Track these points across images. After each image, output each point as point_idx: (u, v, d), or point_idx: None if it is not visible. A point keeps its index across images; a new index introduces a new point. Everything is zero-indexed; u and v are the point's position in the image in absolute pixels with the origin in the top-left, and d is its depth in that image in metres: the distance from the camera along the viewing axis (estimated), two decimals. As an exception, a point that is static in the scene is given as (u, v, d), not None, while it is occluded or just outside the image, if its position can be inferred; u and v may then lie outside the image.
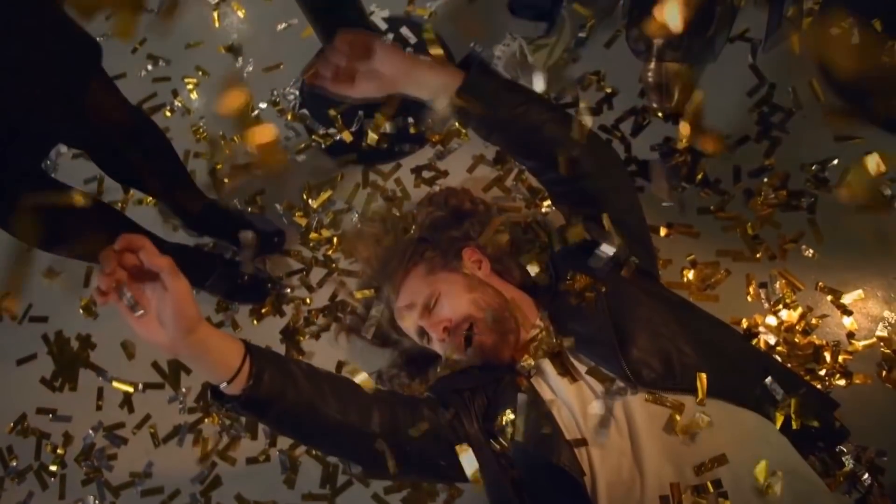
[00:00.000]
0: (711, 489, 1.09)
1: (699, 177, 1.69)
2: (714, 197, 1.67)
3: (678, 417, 1.14)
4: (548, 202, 1.76)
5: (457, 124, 1.91)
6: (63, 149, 2.21)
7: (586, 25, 1.92)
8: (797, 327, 1.54)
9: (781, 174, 1.65)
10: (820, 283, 1.56)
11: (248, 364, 1.04)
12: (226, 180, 2.03)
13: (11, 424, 1.90)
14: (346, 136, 1.90)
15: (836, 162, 1.64)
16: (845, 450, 1.32)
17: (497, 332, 1.32)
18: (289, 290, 1.88)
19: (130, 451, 1.82)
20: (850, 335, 1.52)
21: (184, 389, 1.82)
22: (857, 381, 1.47)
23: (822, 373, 1.49)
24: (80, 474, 1.80)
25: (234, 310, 1.89)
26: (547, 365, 1.26)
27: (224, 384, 1.03)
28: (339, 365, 1.73)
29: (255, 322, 1.87)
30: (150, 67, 2.28)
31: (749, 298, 1.58)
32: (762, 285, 1.59)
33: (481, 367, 1.33)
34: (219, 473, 1.74)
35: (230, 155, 2.06)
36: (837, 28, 1.21)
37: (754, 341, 1.51)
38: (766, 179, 1.66)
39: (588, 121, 1.32)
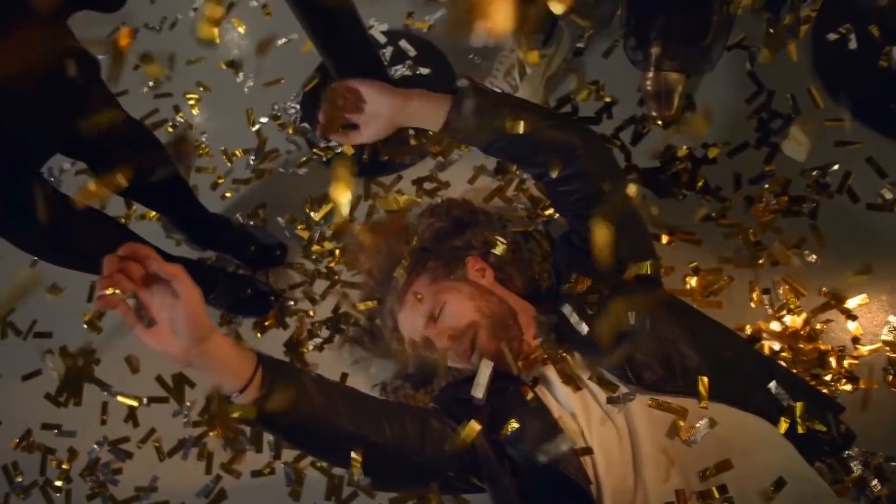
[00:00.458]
0: (717, 495, 1.09)
1: (700, 184, 1.69)
2: (715, 204, 1.67)
3: (682, 423, 1.14)
4: (549, 211, 1.77)
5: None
6: (66, 165, 2.23)
7: (584, 36, 1.93)
8: (801, 332, 1.53)
9: (782, 180, 1.65)
10: (823, 289, 1.56)
11: (260, 374, 1.03)
12: (227, 194, 2.04)
13: (17, 440, 1.90)
14: (348, 150, 1.91)
15: (836, 167, 1.64)
16: (853, 455, 1.31)
17: (501, 338, 1.32)
18: (292, 303, 1.88)
19: (135, 465, 1.81)
20: (856, 340, 1.51)
21: (188, 403, 1.82)
22: (864, 386, 1.46)
23: (828, 378, 1.48)
24: (85, 489, 1.80)
25: (237, 323, 1.90)
26: (551, 373, 1.26)
27: (235, 394, 1.02)
28: (343, 376, 1.73)
29: (258, 335, 1.87)
30: (151, 84, 2.30)
31: (753, 305, 1.58)
32: (765, 291, 1.58)
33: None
34: (224, 487, 1.73)
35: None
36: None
37: (758, 346, 1.51)
38: (766, 186, 1.66)
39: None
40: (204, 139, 2.15)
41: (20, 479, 1.87)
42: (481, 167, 1.87)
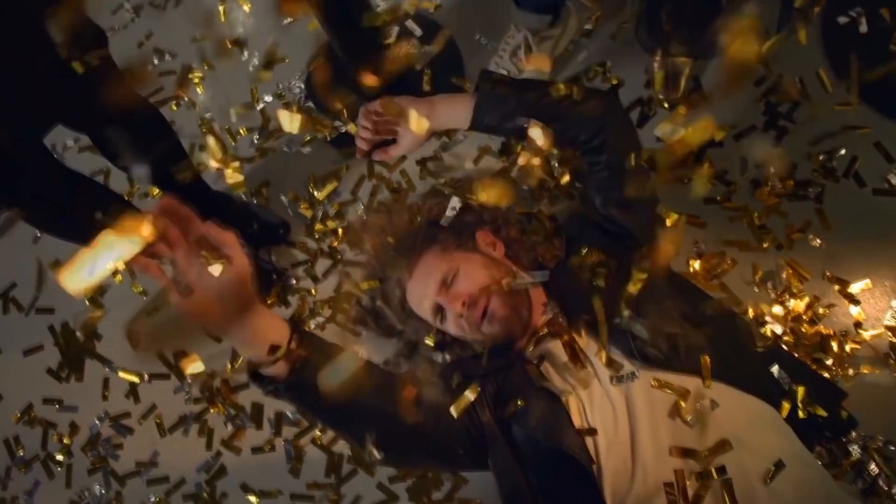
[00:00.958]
0: (715, 476, 1.08)
1: (705, 166, 1.68)
2: (720, 187, 1.66)
3: (683, 404, 1.13)
4: (547, 200, 1.76)
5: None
6: (70, 142, 2.22)
7: (592, 17, 1.92)
8: (804, 317, 1.53)
9: (788, 164, 1.64)
10: (827, 273, 1.56)
11: (294, 346, 1.00)
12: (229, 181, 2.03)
13: (18, 414, 1.91)
14: (352, 129, 1.90)
15: (843, 152, 1.63)
16: (852, 439, 1.31)
17: (512, 305, 1.31)
18: (294, 282, 1.88)
19: (136, 440, 1.82)
20: (858, 325, 1.51)
21: (189, 380, 1.82)
22: (865, 371, 1.46)
23: (830, 362, 1.48)
24: (86, 463, 1.81)
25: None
26: (557, 350, 1.26)
27: (267, 366, 0.98)
28: (344, 355, 1.73)
29: (260, 313, 1.87)
30: (156, 61, 2.29)
31: (755, 288, 1.57)
32: (768, 275, 1.58)
33: (491, 352, 1.33)
34: (224, 463, 1.74)
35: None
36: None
37: (761, 330, 1.50)
38: (772, 169, 1.65)
39: None
40: (208, 117, 2.14)
41: (21, 453, 1.88)
42: (486, 148, 1.86)
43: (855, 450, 1.32)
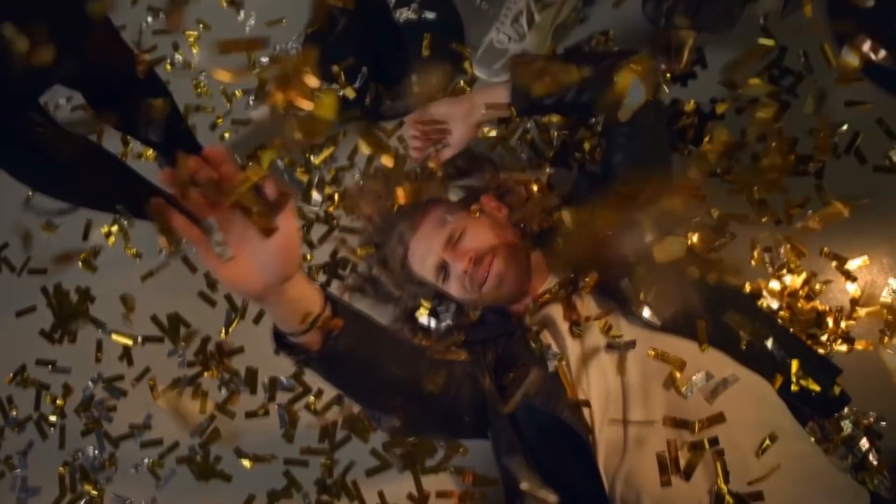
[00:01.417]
0: (708, 447, 1.09)
1: (706, 140, 1.67)
2: (721, 160, 1.65)
3: (678, 374, 1.14)
4: (546, 168, 1.75)
5: (462, 83, 1.89)
6: (62, 101, 2.19)
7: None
8: (800, 293, 1.53)
9: (789, 139, 1.63)
10: (825, 249, 1.55)
11: (329, 313, 0.95)
12: (226, 135, 2.01)
13: (11, 375, 1.90)
14: (350, 93, 1.88)
15: (845, 127, 1.62)
16: (843, 415, 1.32)
17: (515, 267, 1.32)
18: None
19: (130, 403, 1.82)
20: (854, 301, 1.51)
21: (183, 343, 1.82)
22: (859, 347, 1.47)
23: (824, 338, 1.48)
24: (79, 425, 1.81)
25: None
26: (557, 315, 1.26)
27: (297, 335, 0.93)
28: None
29: (255, 278, 1.86)
30: (150, 20, 2.25)
31: (753, 263, 1.57)
32: (766, 250, 1.57)
33: (490, 319, 1.33)
34: (218, 427, 1.74)
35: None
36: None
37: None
38: (773, 144, 1.63)
39: None
40: (203, 78, 2.11)
41: (14, 414, 1.88)
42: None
43: (847, 425, 1.33)
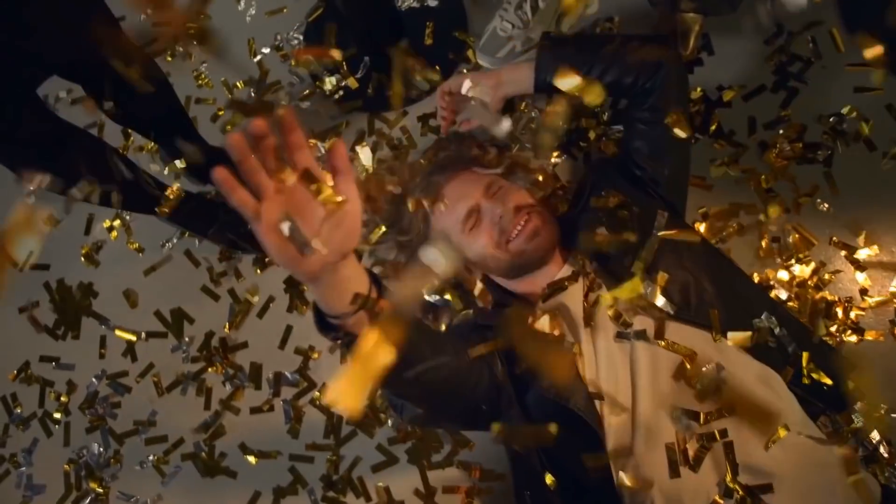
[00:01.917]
0: (718, 438, 1.08)
1: (713, 128, 1.65)
2: (728, 149, 1.63)
3: (689, 365, 1.13)
4: (555, 153, 1.73)
5: (465, 71, 1.87)
6: (62, 93, 2.17)
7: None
8: (809, 283, 1.51)
9: (798, 126, 1.60)
10: (834, 238, 1.53)
11: (375, 295, 0.90)
12: (228, 128, 1.99)
13: (15, 372, 1.90)
14: (352, 83, 1.86)
15: (854, 115, 1.59)
16: (855, 407, 1.30)
17: (549, 229, 1.33)
18: (292, 241, 1.85)
19: (134, 399, 1.81)
20: (864, 291, 1.49)
21: (187, 339, 1.81)
22: (870, 338, 1.45)
23: (833, 329, 1.47)
24: (84, 422, 1.81)
25: (237, 259, 1.87)
26: (570, 301, 1.26)
27: (343, 317, 0.87)
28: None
29: (258, 271, 1.85)
30: (150, 11, 2.22)
31: (761, 253, 1.55)
32: (775, 240, 1.56)
33: (505, 304, 1.33)
34: (223, 423, 1.73)
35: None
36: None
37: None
38: (781, 131, 1.61)
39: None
40: (204, 69, 2.08)
41: (19, 411, 1.87)
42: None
43: (857, 417, 1.31)
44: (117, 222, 1.98)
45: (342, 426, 1.65)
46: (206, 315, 1.83)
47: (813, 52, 1.66)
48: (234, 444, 1.71)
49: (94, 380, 1.84)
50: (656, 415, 1.13)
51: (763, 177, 1.58)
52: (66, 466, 1.77)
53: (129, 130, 2.02)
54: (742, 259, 1.52)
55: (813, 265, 1.52)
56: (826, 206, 1.55)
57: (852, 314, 1.48)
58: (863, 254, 1.52)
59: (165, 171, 1.90)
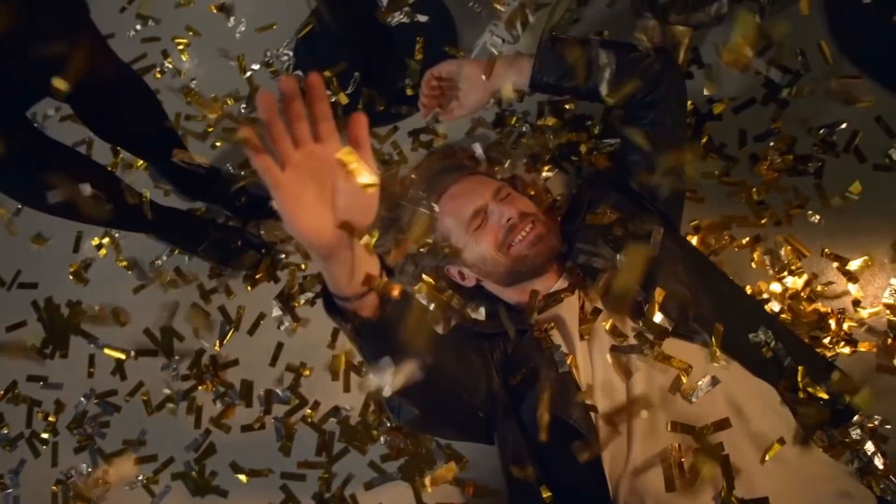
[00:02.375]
0: (713, 452, 1.07)
1: (704, 140, 1.65)
2: (719, 161, 1.63)
3: (684, 379, 1.12)
4: (548, 167, 1.73)
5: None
6: (51, 111, 2.16)
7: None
8: (802, 294, 1.51)
9: (788, 138, 1.61)
10: (826, 250, 1.53)
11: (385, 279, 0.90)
12: (217, 143, 1.98)
13: (2, 392, 1.87)
14: (342, 99, 1.85)
15: (844, 126, 1.60)
16: (852, 421, 1.30)
17: (552, 238, 1.32)
18: (283, 256, 1.85)
19: (123, 418, 1.79)
20: (856, 303, 1.49)
21: (176, 357, 1.79)
22: (863, 349, 1.45)
23: (827, 340, 1.46)
24: (72, 442, 1.78)
25: (227, 275, 1.86)
26: (566, 314, 1.25)
27: (353, 299, 0.87)
28: (336, 331, 1.70)
29: (249, 288, 1.84)
30: (139, 27, 2.22)
31: (753, 265, 1.55)
32: (767, 252, 1.56)
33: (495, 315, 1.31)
34: (213, 441, 1.71)
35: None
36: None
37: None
38: (772, 143, 1.62)
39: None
40: (193, 85, 2.08)
41: (6, 431, 1.84)
42: (479, 120, 1.82)
43: (856, 432, 1.31)
44: (106, 240, 1.96)
45: (334, 443, 1.63)
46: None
47: (802, 64, 1.67)
48: (224, 463, 1.68)
49: (82, 399, 1.82)
50: (652, 428, 1.11)
51: (754, 189, 1.58)
52: (53, 487, 1.74)
53: (118, 148, 2.00)
54: (734, 271, 1.51)
55: (805, 277, 1.52)
56: (817, 217, 1.55)
57: (845, 326, 1.48)
58: (854, 265, 1.52)
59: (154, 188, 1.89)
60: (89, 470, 1.75)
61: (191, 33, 2.17)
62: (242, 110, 2.02)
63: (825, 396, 1.17)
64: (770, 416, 1.14)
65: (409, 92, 1.86)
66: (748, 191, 1.59)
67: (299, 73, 2.02)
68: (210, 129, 2.00)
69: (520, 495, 1.25)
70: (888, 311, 1.47)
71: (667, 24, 1.65)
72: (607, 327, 1.19)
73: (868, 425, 1.36)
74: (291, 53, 2.06)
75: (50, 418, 1.82)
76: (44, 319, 1.92)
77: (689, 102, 1.67)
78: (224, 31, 2.15)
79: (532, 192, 1.48)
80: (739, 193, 1.59)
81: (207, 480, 1.68)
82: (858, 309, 1.50)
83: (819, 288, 1.51)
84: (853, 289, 1.51)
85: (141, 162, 1.98)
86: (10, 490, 1.79)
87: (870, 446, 1.30)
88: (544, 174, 1.72)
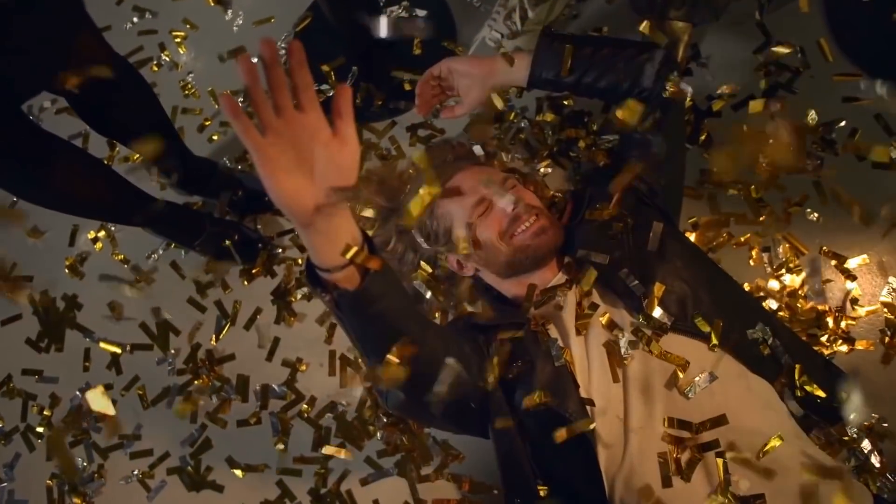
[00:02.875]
0: (709, 449, 1.07)
1: (702, 137, 1.65)
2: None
3: (681, 374, 1.12)
4: (546, 163, 1.72)
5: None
6: (47, 103, 2.15)
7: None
8: (800, 292, 1.51)
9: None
10: (824, 248, 1.53)
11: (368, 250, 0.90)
12: (214, 137, 1.97)
13: (-4, 385, 1.87)
14: (340, 94, 1.84)
15: (843, 124, 1.60)
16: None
17: (555, 232, 1.31)
18: (280, 251, 1.84)
19: (119, 412, 1.77)
20: (854, 301, 1.49)
21: (172, 351, 1.78)
22: (860, 347, 1.45)
23: (824, 338, 1.46)
24: (67, 436, 1.77)
25: (224, 270, 1.85)
26: (565, 312, 1.24)
27: (334, 270, 0.88)
28: (333, 326, 1.70)
29: (245, 283, 1.83)
30: (135, 20, 2.21)
31: (751, 262, 1.55)
32: (765, 249, 1.55)
33: (497, 307, 1.31)
34: (209, 436, 1.71)
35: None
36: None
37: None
38: (771, 141, 1.61)
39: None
40: (190, 79, 2.07)
41: (1, 425, 1.84)
42: (479, 115, 1.81)
43: (853, 430, 1.31)
44: (102, 233, 1.96)
45: (330, 439, 1.63)
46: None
47: (801, 62, 1.66)
48: (220, 458, 1.68)
49: (77, 393, 1.81)
50: (649, 424, 1.11)
51: (753, 187, 1.58)
52: (48, 482, 1.74)
53: (114, 141, 1.99)
54: (732, 269, 1.51)
55: (803, 275, 1.52)
56: (816, 215, 1.55)
57: (843, 324, 1.48)
58: (853, 263, 1.52)
59: (152, 182, 1.88)
60: (85, 464, 1.74)
61: (188, 26, 2.15)
62: (240, 104, 2.00)
63: (822, 394, 1.16)
64: (767, 413, 1.14)
65: (407, 87, 1.85)
66: (747, 188, 1.58)
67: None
68: (207, 123, 1.99)
69: (516, 491, 1.25)
70: (886, 310, 1.47)
71: (666, 20, 1.64)
72: (604, 322, 1.19)
73: (865, 423, 1.36)
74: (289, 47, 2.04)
75: (45, 412, 1.81)
76: (39, 313, 1.90)
77: (688, 99, 1.67)
78: (221, 24, 2.14)
79: (531, 188, 1.47)
80: (738, 191, 1.59)
81: (203, 475, 1.68)
82: (856, 307, 1.50)
83: (817, 286, 1.51)
84: (851, 287, 1.51)
85: (137, 155, 1.97)
86: (4, 484, 1.79)
87: (867, 444, 1.30)
88: (542, 170, 1.71)
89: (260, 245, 1.83)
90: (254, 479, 1.65)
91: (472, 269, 1.37)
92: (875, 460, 1.31)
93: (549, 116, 1.72)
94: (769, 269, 1.54)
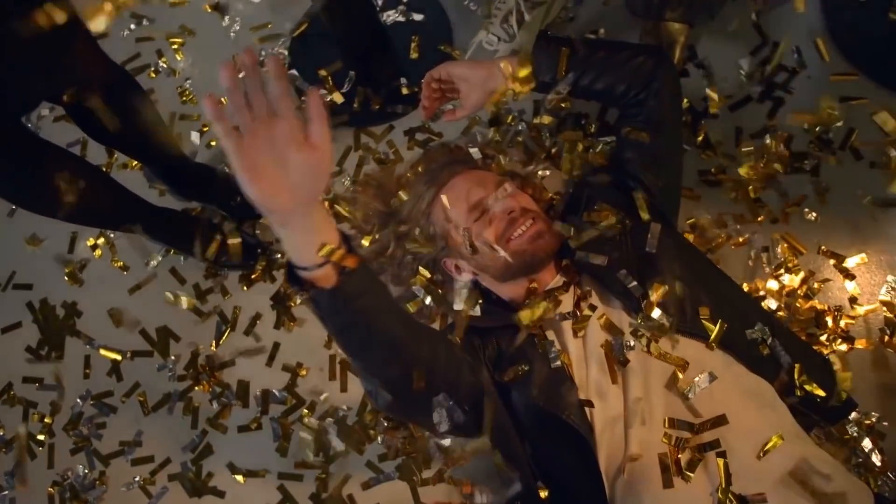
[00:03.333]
0: (710, 449, 1.07)
1: (700, 138, 1.65)
2: (715, 159, 1.63)
3: (681, 375, 1.12)
4: (543, 166, 1.72)
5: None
6: (45, 111, 2.15)
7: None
8: (799, 292, 1.51)
9: (784, 136, 1.61)
10: (822, 247, 1.53)
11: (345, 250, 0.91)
12: (212, 143, 1.97)
13: (-3, 393, 1.87)
14: (337, 98, 1.85)
15: (840, 123, 1.59)
16: (849, 418, 1.30)
17: (551, 236, 1.31)
18: (279, 256, 1.84)
19: (119, 419, 1.78)
20: (853, 300, 1.49)
21: (172, 357, 1.78)
22: (859, 346, 1.45)
23: (824, 338, 1.47)
24: (68, 443, 1.77)
25: (223, 275, 1.85)
26: (560, 311, 1.24)
27: (312, 268, 0.89)
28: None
29: (244, 288, 1.83)
30: (133, 27, 2.21)
31: (750, 262, 1.55)
32: (764, 249, 1.56)
33: (493, 309, 1.32)
34: (210, 442, 1.71)
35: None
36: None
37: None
38: (768, 141, 1.61)
39: None
40: (188, 85, 2.07)
41: (2, 433, 1.83)
42: (475, 119, 1.81)
43: (853, 429, 1.31)
44: (101, 240, 1.95)
45: (331, 444, 1.63)
46: (193, 333, 1.81)
47: (798, 62, 1.67)
48: (221, 464, 1.68)
49: (78, 400, 1.81)
50: (649, 425, 1.12)
51: (750, 187, 1.58)
52: (50, 489, 1.73)
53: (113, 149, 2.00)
54: (731, 269, 1.51)
55: (802, 274, 1.52)
56: (814, 215, 1.55)
57: (842, 323, 1.48)
58: (851, 262, 1.52)
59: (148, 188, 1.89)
60: (86, 472, 1.74)
61: (186, 32, 2.15)
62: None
63: (822, 394, 1.17)
64: (767, 413, 1.14)
65: (404, 91, 1.85)
66: (745, 188, 1.58)
67: (294, 72, 2.01)
68: (205, 129, 2.00)
69: (514, 496, 1.25)
70: (885, 309, 1.48)
71: (663, 21, 1.65)
72: (602, 323, 1.19)
73: (865, 422, 1.36)
74: (286, 52, 2.05)
75: (46, 420, 1.81)
76: (39, 321, 1.91)
77: (685, 100, 1.68)
78: (219, 29, 2.14)
79: (529, 191, 1.47)
80: (736, 191, 1.59)
81: (204, 481, 1.68)
82: (855, 306, 1.50)
83: (816, 285, 1.51)
84: (850, 286, 1.51)
85: (135, 162, 1.97)
86: (6, 492, 1.78)
87: (867, 443, 1.31)
88: (540, 172, 1.71)
89: (259, 250, 1.83)
90: (255, 485, 1.65)
91: (470, 273, 1.37)
92: (876, 459, 1.31)
93: (546, 119, 1.73)
94: (768, 269, 1.54)
